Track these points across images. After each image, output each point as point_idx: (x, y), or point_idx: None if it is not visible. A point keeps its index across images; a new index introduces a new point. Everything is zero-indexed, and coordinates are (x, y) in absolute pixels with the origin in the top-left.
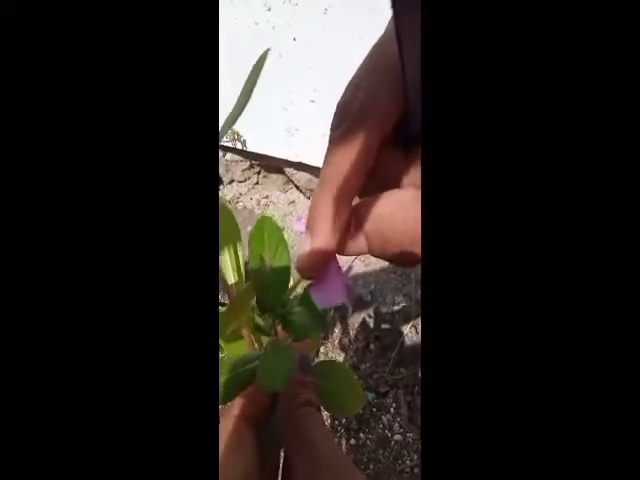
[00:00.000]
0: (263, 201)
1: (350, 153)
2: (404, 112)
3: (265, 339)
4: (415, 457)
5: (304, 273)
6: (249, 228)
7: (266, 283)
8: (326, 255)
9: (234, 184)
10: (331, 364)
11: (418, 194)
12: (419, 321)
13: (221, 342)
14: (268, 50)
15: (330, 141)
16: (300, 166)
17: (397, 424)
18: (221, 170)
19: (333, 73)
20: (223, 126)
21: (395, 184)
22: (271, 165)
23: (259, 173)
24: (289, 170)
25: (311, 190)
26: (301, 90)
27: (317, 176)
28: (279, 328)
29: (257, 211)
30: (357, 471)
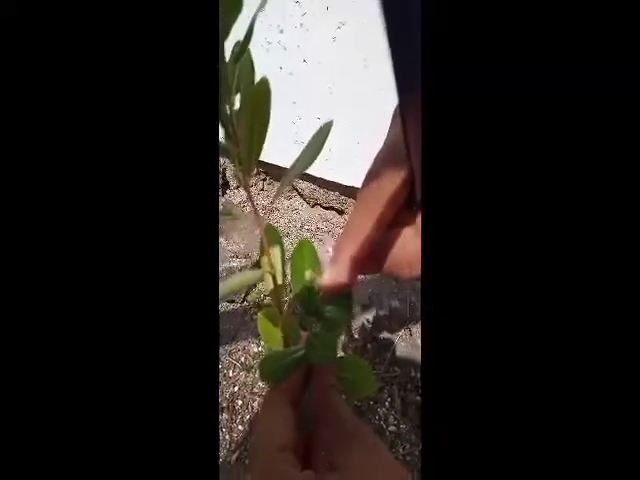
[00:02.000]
0: (268, 207)
1: (371, 215)
2: (412, 188)
3: (297, 336)
4: (407, 446)
5: (325, 292)
6: (257, 232)
7: (305, 289)
8: (342, 281)
9: (241, 189)
10: (353, 358)
11: (415, 234)
12: (412, 324)
13: (264, 336)
14: (332, 122)
15: (357, 201)
16: (304, 176)
17: (392, 416)
18: (229, 175)
19: (339, 93)
20: (281, 185)
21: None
22: (277, 173)
23: (264, 180)
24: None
25: (314, 199)
26: (309, 107)
27: (320, 186)
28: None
29: (262, 216)
30: (377, 438)
